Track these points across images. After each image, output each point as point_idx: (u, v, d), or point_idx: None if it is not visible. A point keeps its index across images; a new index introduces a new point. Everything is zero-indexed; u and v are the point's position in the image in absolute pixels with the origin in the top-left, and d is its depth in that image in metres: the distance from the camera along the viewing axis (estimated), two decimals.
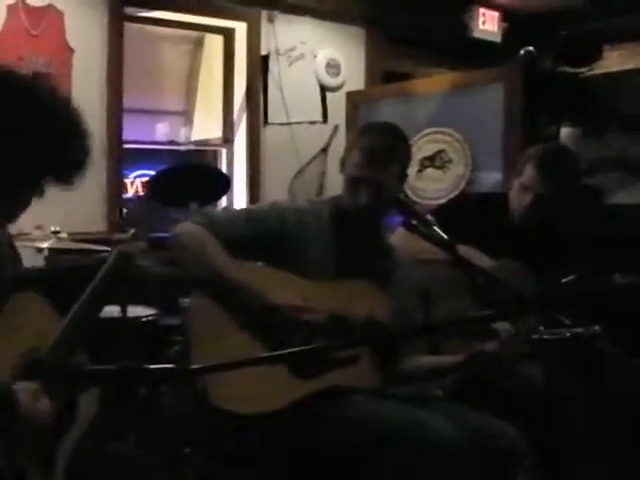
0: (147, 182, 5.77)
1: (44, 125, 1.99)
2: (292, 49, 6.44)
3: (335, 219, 2.80)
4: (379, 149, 2.72)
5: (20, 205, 2.05)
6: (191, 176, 4.67)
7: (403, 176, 2.81)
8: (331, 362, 2.54)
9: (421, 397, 2.70)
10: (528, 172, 3.37)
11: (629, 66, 6.12)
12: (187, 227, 2.70)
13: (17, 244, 2.36)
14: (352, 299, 2.65)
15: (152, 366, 1.51)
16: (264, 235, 2.69)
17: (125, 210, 2.36)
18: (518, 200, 3.42)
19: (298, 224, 2.73)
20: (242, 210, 2.89)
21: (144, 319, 4.15)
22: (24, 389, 1.89)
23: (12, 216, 2.07)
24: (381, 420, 2.45)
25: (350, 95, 6.45)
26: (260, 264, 2.71)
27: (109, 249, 2.30)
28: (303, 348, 2.43)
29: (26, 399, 1.87)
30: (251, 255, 2.72)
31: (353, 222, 2.79)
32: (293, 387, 2.51)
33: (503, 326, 2.61)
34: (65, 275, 2.39)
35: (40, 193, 2.04)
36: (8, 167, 1.96)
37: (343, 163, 2.82)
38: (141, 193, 6.18)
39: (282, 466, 2.57)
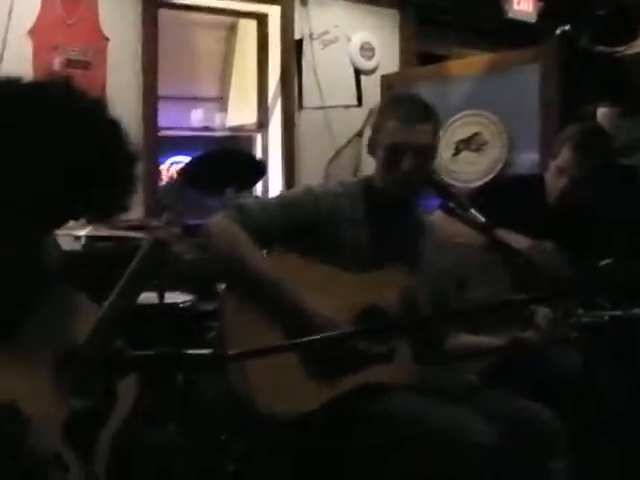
0: (182, 169, 5.78)
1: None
2: (326, 32, 6.42)
3: (369, 200, 2.77)
4: (419, 114, 2.69)
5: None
6: (226, 162, 4.67)
7: (435, 154, 2.79)
8: (366, 359, 2.52)
9: (456, 386, 2.67)
10: (564, 154, 3.35)
11: None
12: (218, 224, 2.64)
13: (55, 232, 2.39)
14: (387, 289, 2.62)
15: (190, 352, 1.52)
16: (299, 223, 2.66)
17: (157, 195, 2.35)
18: (554, 182, 3.40)
19: (332, 209, 2.70)
20: (275, 198, 2.82)
21: (181, 305, 4.17)
22: None
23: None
24: (418, 418, 2.43)
25: (385, 78, 6.42)
26: (294, 257, 2.64)
27: (145, 236, 2.30)
28: (338, 335, 2.43)
29: None
30: (287, 243, 2.69)
31: (387, 201, 2.76)
32: (328, 386, 2.49)
33: (543, 312, 2.59)
34: (103, 259, 2.40)
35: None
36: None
37: (373, 143, 2.78)
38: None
39: (317, 461, 2.56)
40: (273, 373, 2.43)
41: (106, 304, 2.08)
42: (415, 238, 2.84)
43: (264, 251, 3.07)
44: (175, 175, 6.15)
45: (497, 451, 2.33)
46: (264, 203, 2.73)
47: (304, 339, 1.96)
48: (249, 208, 2.65)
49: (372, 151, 2.80)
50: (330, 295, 2.55)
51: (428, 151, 2.71)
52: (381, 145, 2.73)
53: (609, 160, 3.45)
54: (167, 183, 6.10)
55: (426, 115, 2.71)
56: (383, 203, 2.76)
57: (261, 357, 2.20)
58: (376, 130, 2.78)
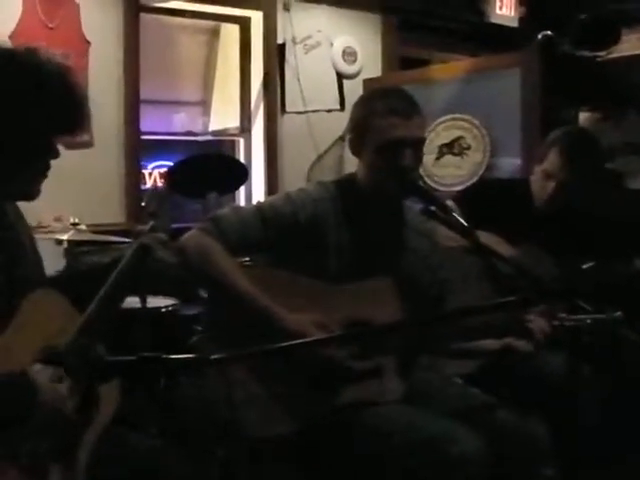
0: (165, 173, 5.78)
1: (45, 89, 2.05)
2: (308, 37, 6.43)
3: (351, 201, 2.66)
4: (411, 107, 2.59)
5: (41, 172, 2.13)
6: (209, 166, 4.67)
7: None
8: (352, 376, 2.48)
9: (443, 397, 2.64)
10: (551, 159, 3.34)
11: None
12: (192, 237, 2.56)
13: (37, 236, 2.38)
14: (372, 301, 2.55)
15: (171, 356, 1.51)
16: (278, 232, 2.57)
17: (143, 202, 2.34)
18: (541, 187, 3.40)
19: (313, 215, 2.60)
20: (254, 210, 2.63)
21: (164, 309, 4.16)
22: (41, 372, 1.91)
23: (36, 186, 2.14)
24: (405, 429, 2.40)
25: (367, 82, 6.43)
26: (278, 272, 2.59)
27: (128, 240, 2.30)
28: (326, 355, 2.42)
29: (43, 382, 1.89)
30: (266, 253, 2.67)
31: (371, 201, 2.67)
32: (315, 405, 2.47)
33: (539, 323, 2.57)
34: (86, 274, 2.39)
35: (55, 154, 2.12)
36: (19, 137, 2.04)
37: (360, 142, 2.64)
38: (159, 184, 6.18)
39: (303, 470, 2.55)
40: (257, 394, 2.44)
41: (90, 308, 2.07)
42: (402, 235, 2.74)
43: (246, 259, 3.06)
44: (160, 181, 6.14)
45: (484, 462, 2.32)
46: (241, 214, 2.61)
47: (288, 343, 1.96)
48: (226, 219, 2.56)
49: (358, 151, 2.66)
50: (314, 310, 2.48)
51: (423, 145, 2.62)
52: (373, 142, 2.58)
53: (596, 163, 3.45)
54: (151, 188, 6.09)
55: (417, 108, 2.60)
56: (367, 203, 2.67)
57: (244, 361, 2.20)
58: (363, 127, 2.62)
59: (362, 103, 2.73)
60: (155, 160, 6.26)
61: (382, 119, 2.56)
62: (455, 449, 2.31)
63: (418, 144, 2.59)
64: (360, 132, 2.64)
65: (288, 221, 2.58)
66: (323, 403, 2.48)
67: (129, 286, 2.21)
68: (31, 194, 2.16)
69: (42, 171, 2.14)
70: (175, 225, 2.51)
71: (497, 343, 2.65)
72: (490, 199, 3.46)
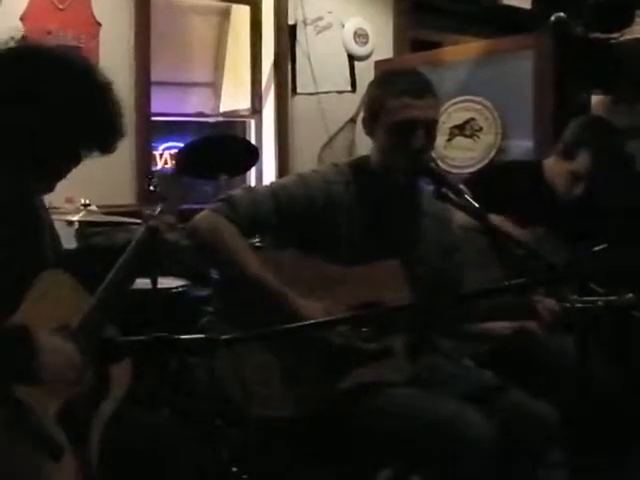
0: (176, 155, 5.77)
1: (81, 95, 2.15)
2: (319, 18, 6.41)
3: (364, 183, 2.65)
4: (425, 88, 2.58)
5: (63, 174, 2.19)
6: (220, 147, 4.66)
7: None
8: (362, 357, 2.48)
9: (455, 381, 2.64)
10: (583, 162, 3.32)
11: None
12: (206, 218, 2.56)
13: None
14: (381, 282, 2.54)
15: (183, 336, 1.52)
16: (291, 214, 2.56)
17: (151, 183, 2.34)
18: (567, 186, 3.38)
19: (326, 197, 2.59)
20: (267, 192, 2.61)
21: (175, 290, 4.16)
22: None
23: (55, 184, 2.21)
24: (417, 412, 2.40)
25: (378, 64, 6.40)
26: (291, 253, 2.58)
27: (139, 221, 2.31)
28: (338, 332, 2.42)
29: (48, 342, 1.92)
30: (279, 234, 2.66)
31: (384, 183, 2.65)
32: (326, 387, 2.47)
33: (548, 303, 2.56)
34: (97, 255, 2.41)
35: (78, 162, 2.19)
36: (53, 140, 2.10)
37: (373, 122, 2.62)
38: (170, 165, 6.18)
39: (314, 451, 2.55)
40: (267, 375, 2.45)
41: (99, 290, 2.08)
42: (415, 218, 2.73)
43: (257, 239, 3.06)
44: (171, 162, 6.15)
45: (495, 444, 2.32)
46: (254, 195, 2.60)
47: (298, 324, 1.97)
48: (238, 201, 2.55)
49: (371, 131, 2.65)
50: (327, 292, 2.49)
51: (436, 127, 2.61)
52: (385, 122, 2.57)
53: (619, 156, 3.45)
54: (161, 170, 6.09)
55: (431, 89, 2.59)
56: (380, 185, 2.65)
57: (255, 340, 2.21)
58: (376, 107, 2.60)
59: (377, 83, 2.72)
60: (166, 141, 6.27)
61: (395, 99, 2.55)
62: (467, 431, 2.31)
63: (430, 125, 2.57)
64: (373, 112, 2.63)
65: (301, 204, 2.57)
66: (333, 384, 2.48)
67: (138, 268, 2.22)
68: (50, 189, 2.21)
69: (66, 173, 2.19)
70: (186, 206, 2.51)
71: (510, 326, 2.64)
72: (502, 181, 3.45)
